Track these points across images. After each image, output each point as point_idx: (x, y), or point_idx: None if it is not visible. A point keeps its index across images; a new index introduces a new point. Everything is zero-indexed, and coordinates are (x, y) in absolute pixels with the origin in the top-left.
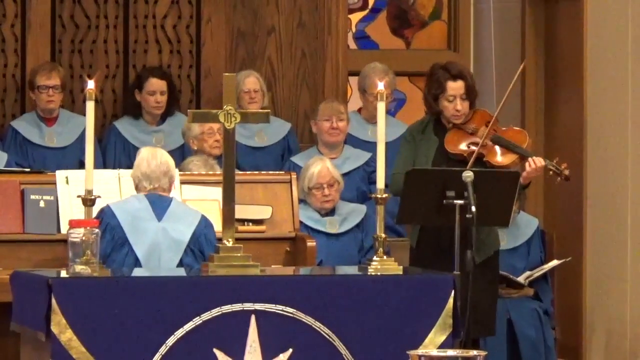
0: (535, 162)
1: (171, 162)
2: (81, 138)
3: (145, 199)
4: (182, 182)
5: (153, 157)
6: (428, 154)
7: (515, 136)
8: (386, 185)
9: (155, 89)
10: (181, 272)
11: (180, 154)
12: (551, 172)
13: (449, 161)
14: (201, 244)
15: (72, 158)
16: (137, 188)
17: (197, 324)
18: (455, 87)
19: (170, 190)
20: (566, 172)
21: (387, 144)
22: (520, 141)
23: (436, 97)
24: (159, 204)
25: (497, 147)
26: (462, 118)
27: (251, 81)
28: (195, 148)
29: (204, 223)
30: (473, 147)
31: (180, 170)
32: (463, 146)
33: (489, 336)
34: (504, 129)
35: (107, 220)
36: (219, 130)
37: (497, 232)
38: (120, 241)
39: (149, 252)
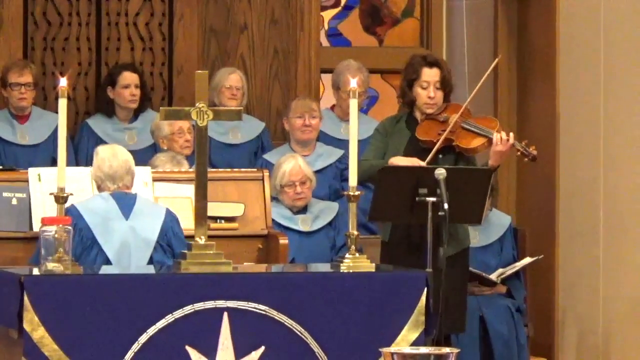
0: (498, 136)
1: (131, 159)
2: (53, 135)
3: (112, 198)
4: (155, 180)
5: (114, 156)
6: (399, 147)
7: (485, 122)
8: (359, 183)
9: (130, 82)
10: (151, 269)
11: (153, 151)
12: (519, 153)
13: (420, 152)
14: (169, 238)
15: (45, 155)
16: (100, 188)
17: (169, 321)
18: (430, 73)
19: (132, 186)
20: (534, 152)
21: (359, 141)
22: (490, 127)
23: (411, 84)
24: (125, 202)
25: (466, 132)
26: (435, 108)
27: (235, 78)
28: (166, 148)
29: (170, 217)
30: (444, 132)
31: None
32: (433, 133)
33: (459, 333)
34: (475, 117)
35: (74, 222)
36: (189, 130)
37: (466, 228)
38: (89, 242)
39: (119, 252)
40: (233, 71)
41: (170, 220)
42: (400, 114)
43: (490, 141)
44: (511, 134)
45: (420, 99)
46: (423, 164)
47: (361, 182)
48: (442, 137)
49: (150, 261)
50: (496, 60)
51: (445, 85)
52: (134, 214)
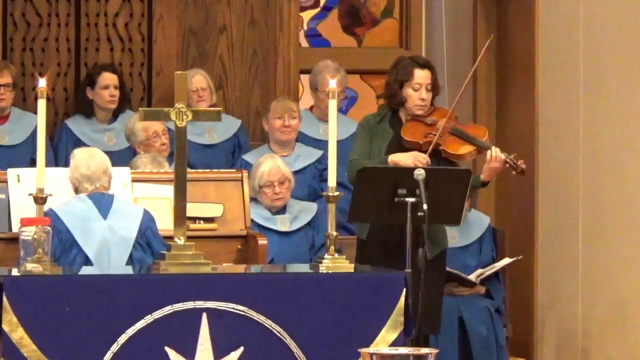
0: (495, 153)
1: (107, 160)
2: (33, 136)
3: (89, 199)
4: (134, 180)
5: (91, 157)
6: (382, 146)
7: (474, 130)
8: (338, 183)
9: (109, 83)
10: (130, 269)
11: (132, 152)
12: (507, 165)
13: (402, 152)
14: (148, 237)
15: (24, 156)
16: (77, 190)
17: (148, 322)
18: (422, 75)
19: (109, 187)
20: (522, 165)
21: (338, 142)
22: (479, 135)
23: (401, 85)
24: (103, 202)
25: (454, 137)
26: (425, 109)
27: (198, 80)
28: (142, 152)
29: (147, 216)
30: (431, 136)
31: (130, 168)
32: (420, 135)
33: (434, 333)
34: (463, 124)
35: (52, 224)
36: (164, 132)
37: (445, 230)
38: (68, 243)
39: (99, 251)
40: (194, 74)
41: (148, 219)
42: (382, 113)
43: (477, 150)
44: (500, 152)
45: (411, 100)
46: (426, 157)
47: (351, 180)
48: (434, 141)
49: (130, 259)
50: (475, 64)
51: (435, 87)
52: (111, 213)
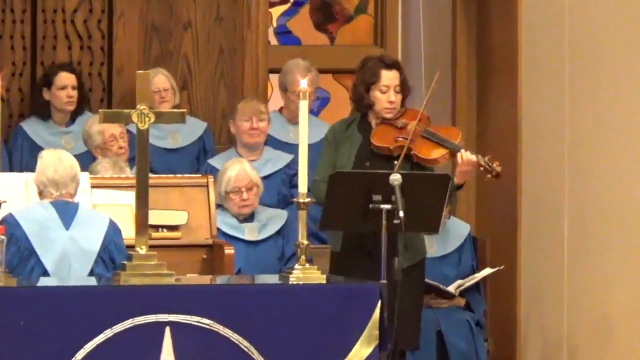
0: (465, 156)
1: (77, 165)
2: None
3: (52, 207)
4: (93, 186)
5: (60, 161)
6: (350, 152)
7: (447, 132)
8: (308, 189)
9: (67, 83)
10: (91, 281)
11: (91, 157)
12: (482, 168)
13: (372, 157)
14: (111, 251)
15: None
16: (42, 194)
17: (108, 336)
18: (390, 76)
19: (75, 195)
20: (498, 168)
21: (309, 145)
22: (451, 137)
23: (368, 88)
24: (66, 211)
25: (426, 141)
26: (394, 112)
27: (159, 80)
28: (100, 157)
29: (112, 228)
30: (402, 140)
31: (90, 174)
32: (390, 139)
33: (413, 350)
34: (435, 126)
35: (11, 231)
36: (121, 135)
37: (422, 239)
38: (26, 252)
39: (58, 263)
40: (156, 73)
41: (113, 231)
42: (351, 118)
43: (451, 153)
44: (472, 155)
45: (379, 103)
46: None
47: (318, 202)
48: (406, 146)
49: (91, 274)
50: (436, 76)
51: (404, 88)
52: (75, 223)
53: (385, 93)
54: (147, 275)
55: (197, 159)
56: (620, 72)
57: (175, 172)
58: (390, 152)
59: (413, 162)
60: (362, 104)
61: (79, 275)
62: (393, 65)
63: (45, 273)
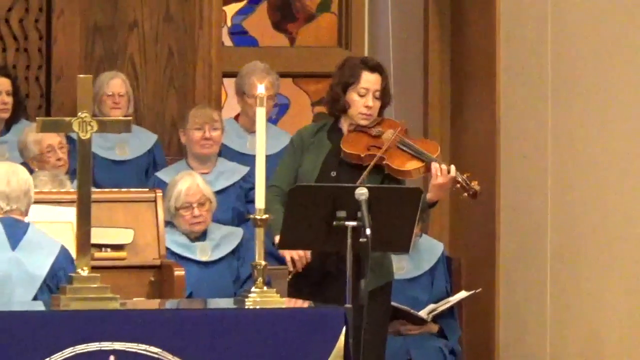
0: (442, 170)
1: (31, 181)
2: None
3: None
4: None
5: (13, 173)
6: (317, 160)
7: (424, 145)
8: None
9: (0, 89)
10: (29, 306)
11: (28, 169)
12: (458, 185)
13: (340, 167)
14: (60, 279)
15: None
16: None
17: None
18: (371, 79)
19: (27, 213)
20: (476, 187)
21: (268, 156)
22: (429, 150)
23: (345, 89)
24: (15, 230)
25: (401, 152)
26: (370, 120)
27: (116, 83)
28: (37, 170)
29: (64, 255)
30: (374, 149)
31: None
32: (362, 147)
33: None
34: (413, 138)
35: None
36: (60, 145)
37: (391, 259)
38: None
39: None
40: (114, 76)
41: (64, 258)
42: (322, 123)
43: (426, 167)
44: (452, 166)
45: (355, 107)
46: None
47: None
48: (378, 155)
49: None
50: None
51: (385, 95)
52: (22, 244)
53: (364, 97)
54: (89, 300)
55: (146, 173)
56: (607, 76)
57: (121, 187)
58: (360, 161)
59: (385, 173)
60: (336, 107)
61: (21, 301)
62: (376, 68)
63: None
